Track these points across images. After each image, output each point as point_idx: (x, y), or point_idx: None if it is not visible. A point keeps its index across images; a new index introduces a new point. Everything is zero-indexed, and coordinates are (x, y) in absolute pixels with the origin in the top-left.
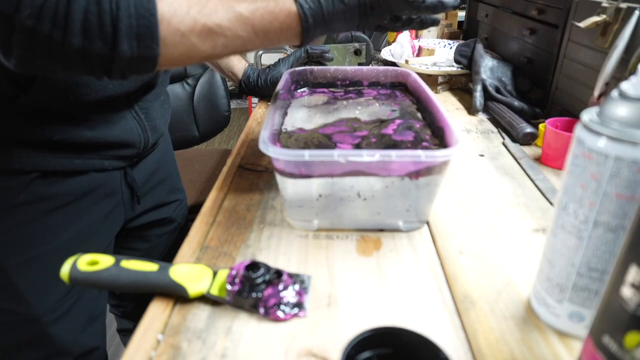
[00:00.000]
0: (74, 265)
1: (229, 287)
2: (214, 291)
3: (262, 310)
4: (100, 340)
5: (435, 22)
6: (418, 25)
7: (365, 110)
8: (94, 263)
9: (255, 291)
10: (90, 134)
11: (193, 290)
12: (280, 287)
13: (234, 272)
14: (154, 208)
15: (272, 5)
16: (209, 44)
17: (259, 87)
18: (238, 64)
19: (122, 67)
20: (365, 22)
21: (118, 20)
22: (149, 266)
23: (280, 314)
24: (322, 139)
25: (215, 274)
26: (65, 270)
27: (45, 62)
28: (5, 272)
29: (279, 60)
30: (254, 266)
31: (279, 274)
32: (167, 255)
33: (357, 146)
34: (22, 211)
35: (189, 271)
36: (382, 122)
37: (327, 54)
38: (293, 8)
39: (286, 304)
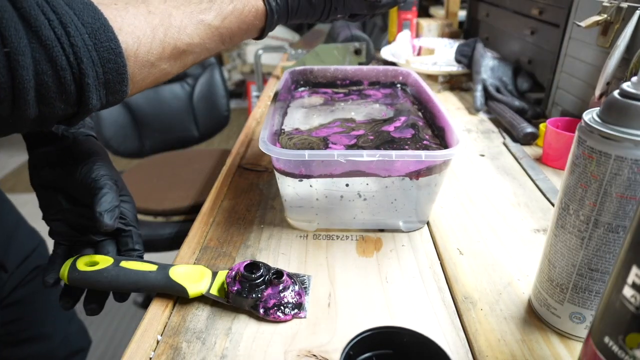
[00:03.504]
0: (72, 265)
1: (228, 287)
2: (214, 291)
3: (261, 310)
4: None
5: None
6: (370, 16)
7: (363, 110)
8: (92, 264)
9: (255, 292)
10: None
11: (193, 290)
12: (280, 287)
13: (233, 272)
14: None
15: (239, 7)
16: (180, 65)
17: None
18: None
19: (85, 117)
20: (326, 18)
21: (83, 75)
22: (149, 267)
23: (280, 314)
24: (316, 142)
25: (214, 274)
26: (64, 270)
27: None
28: None
29: None
30: (253, 266)
31: (279, 274)
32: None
33: (354, 144)
34: None
35: (189, 271)
36: (385, 121)
37: None
38: (260, 6)
39: (286, 305)
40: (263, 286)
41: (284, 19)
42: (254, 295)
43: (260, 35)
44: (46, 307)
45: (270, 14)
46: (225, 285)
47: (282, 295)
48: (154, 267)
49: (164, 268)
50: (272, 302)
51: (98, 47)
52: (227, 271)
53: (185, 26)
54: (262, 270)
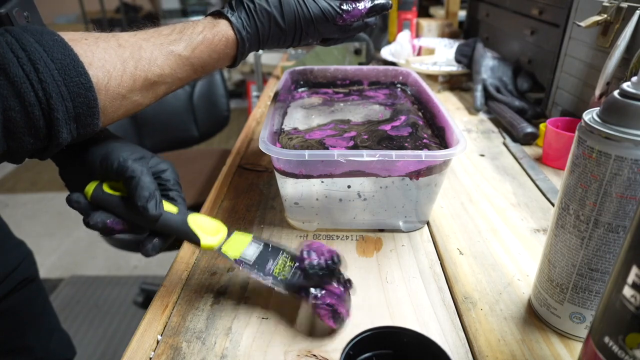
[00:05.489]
0: (99, 185)
1: (301, 254)
2: (225, 250)
3: (315, 299)
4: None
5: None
6: (342, 39)
7: (362, 111)
8: (118, 189)
9: (329, 277)
10: None
11: (205, 241)
12: (343, 293)
13: (315, 246)
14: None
15: (209, 37)
16: (152, 95)
17: None
18: None
19: (56, 150)
20: (298, 44)
21: (52, 110)
22: (171, 207)
23: (330, 318)
24: (315, 146)
25: (229, 234)
26: (89, 187)
27: None
28: None
29: None
30: (336, 259)
31: (350, 283)
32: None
33: (353, 145)
34: None
35: (206, 223)
36: (381, 122)
37: None
38: (231, 35)
39: (336, 313)
40: (333, 282)
41: (256, 47)
42: (314, 291)
43: (233, 63)
44: (29, 319)
45: (242, 43)
46: (297, 258)
47: (339, 300)
48: (175, 210)
49: (184, 213)
50: (329, 299)
51: (68, 82)
52: (244, 235)
53: (155, 58)
54: (340, 264)
